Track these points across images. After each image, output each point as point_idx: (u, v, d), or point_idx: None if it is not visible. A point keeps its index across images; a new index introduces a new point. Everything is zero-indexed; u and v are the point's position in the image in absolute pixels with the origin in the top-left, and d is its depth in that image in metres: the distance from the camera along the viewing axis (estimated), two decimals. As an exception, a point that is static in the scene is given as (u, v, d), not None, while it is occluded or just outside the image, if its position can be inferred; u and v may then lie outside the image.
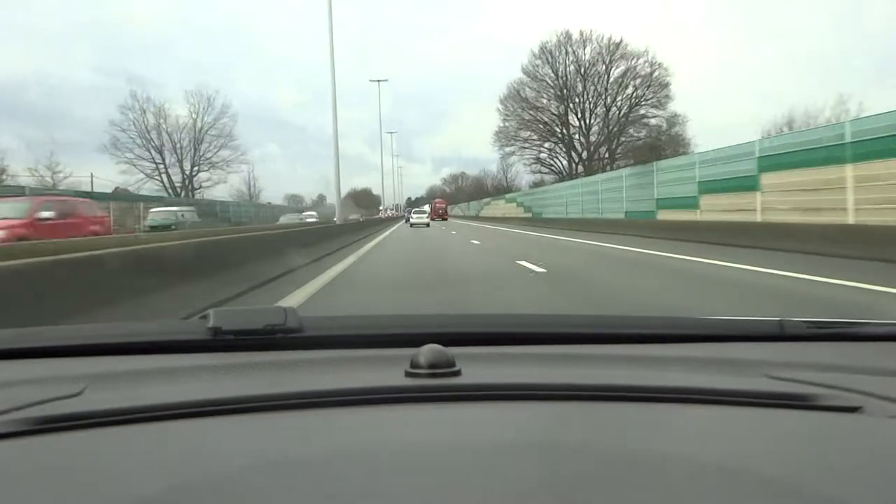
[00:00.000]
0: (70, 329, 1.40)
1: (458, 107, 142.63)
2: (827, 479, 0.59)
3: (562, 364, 1.06)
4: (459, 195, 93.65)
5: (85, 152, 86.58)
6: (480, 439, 0.70)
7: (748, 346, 1.19)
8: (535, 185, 51.46)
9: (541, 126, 50.51)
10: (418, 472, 0.61)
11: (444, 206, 75.82)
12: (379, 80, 57.21)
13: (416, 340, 0.98)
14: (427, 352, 0.88)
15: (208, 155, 55.08)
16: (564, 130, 49.66)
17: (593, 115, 48.70)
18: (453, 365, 0.87)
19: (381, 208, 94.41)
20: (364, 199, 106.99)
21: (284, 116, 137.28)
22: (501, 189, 66.89)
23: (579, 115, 49.04)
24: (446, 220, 63.93)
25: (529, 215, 42.65)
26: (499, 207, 55.60)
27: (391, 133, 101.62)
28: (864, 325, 1.27)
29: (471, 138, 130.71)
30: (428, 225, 40.44)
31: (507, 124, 51.41)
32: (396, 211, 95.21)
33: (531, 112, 49.97)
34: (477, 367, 0.93)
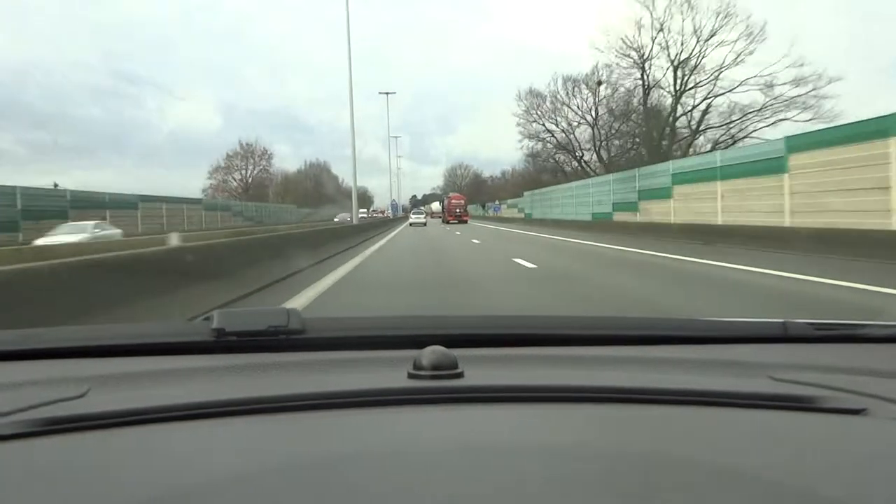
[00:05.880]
0: (74, 330, 1.40)
1: (476, 109, 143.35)
2: (832, 481, 0.59)
3: (565, 366, 1.06)
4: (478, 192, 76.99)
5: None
6: (483, 441, 0.70)
7: (752, 348, 1.18)
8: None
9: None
10: (421, 474, 0.61)
11: (462, 202, 58.61)
12: (388, 93, 58.13)
13: (418, 342, 0.98)
14: (430, 353, 0.88)
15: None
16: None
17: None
18: (456, 367, 0.87)
19: (339, 211, 58.15)
20: (333, 196, 73.36)
21: (299, 118, 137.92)
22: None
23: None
24: (466, 221, 51.84)
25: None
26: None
27: (395, 137, 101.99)
28: (869, 326, 1.26)
29: (490, 141, 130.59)
30: (425, 224, 42.32)
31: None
32: (392, 212, 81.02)
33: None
34: (480, 368, 0.92)
